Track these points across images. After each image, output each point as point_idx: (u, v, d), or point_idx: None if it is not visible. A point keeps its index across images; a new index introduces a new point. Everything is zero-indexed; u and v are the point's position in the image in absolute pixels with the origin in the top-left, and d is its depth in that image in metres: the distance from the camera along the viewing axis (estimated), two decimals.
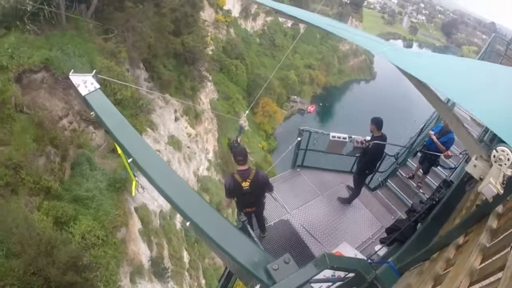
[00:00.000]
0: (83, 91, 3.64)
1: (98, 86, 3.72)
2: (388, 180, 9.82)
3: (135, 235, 14.78)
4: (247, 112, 8.25)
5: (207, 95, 37.67)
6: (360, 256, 6.37)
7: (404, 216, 7.36)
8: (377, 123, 6.97)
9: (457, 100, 2.17)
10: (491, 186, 2.12)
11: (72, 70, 4.01)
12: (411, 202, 8.16)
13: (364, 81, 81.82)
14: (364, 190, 8.69)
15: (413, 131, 10.80)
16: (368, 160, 7.51)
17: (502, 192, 2.12)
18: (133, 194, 13.48)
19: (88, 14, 17.94)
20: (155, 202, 19.11)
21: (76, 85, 3.71)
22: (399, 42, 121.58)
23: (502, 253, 1.87)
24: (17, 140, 10.83)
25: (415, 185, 9.71)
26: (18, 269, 7.13)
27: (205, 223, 2.51)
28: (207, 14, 41.84)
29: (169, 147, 22.79)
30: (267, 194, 6.29)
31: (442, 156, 8.46)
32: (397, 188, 9.59)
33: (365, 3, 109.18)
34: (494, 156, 2.18)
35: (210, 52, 39.96)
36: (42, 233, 8.04)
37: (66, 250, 7.91)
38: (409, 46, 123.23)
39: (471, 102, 2.21)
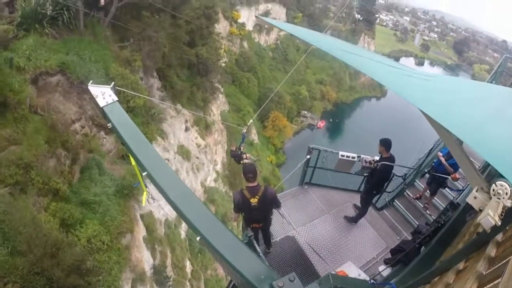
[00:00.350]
0: (101, 102, 3.76)
1: (116, 98, 3.84)
2: (395, 200, 9.77)
3: (139, 242, 14.77)
4: (250, 121, 8.25)
5: (218, 106, 37.99)
6: (363, 276, 6.31)
7: (409, 237, 7.30)
8: (386, 144, 6.99)
9: (459, 134, 2.25)
10: (489, 217, 2.21)
11: (91, 81, 4.14)
12: (417, 223, 8.08)
13: (375, 98, 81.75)
14: (370, 209, 8.69)
15: (421, 152, 10.75)
16: (375, 180, 7.52)
17: (499, 223, 2.20)
18: (143, 204, 13.55)
19: (106, 21, 18.37)
20: (161, 210, 19.15)
21: (94, 96, 3.81)
22: (411, 60, 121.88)
23: (496, 282, 1.93)
24: (30, 140, 11.00)
25: (422, 206, 9.60)
26: (23, 268, 7.16)
27: (215, 239, 2.57)
28: (221, 26, 42.53)
29: (178, 157, 22.92)
30: (274, 210, 6.30)
31: (450, 178, 8.38)
32: (404, 209, 9.51)
33: (377, 20, 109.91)
34: (493, 190, 2.28)
35: (223, 64, 40.40)
36: (49, 234, 8.10)
37: (71, 253, 7.95)
38: (421, 63, 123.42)
39: (473, 135, 2.29)
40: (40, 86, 13.23)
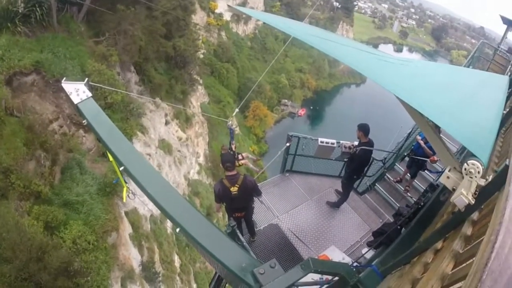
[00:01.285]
0: (75, 99, 3.70)
1: (90, 94, 3.79)
2: (376, 184, 9.97)
3: (125, 239, 14.73)
4: (235, 112, 8.05)
5: (198, 98, 37.68)
6: (347, 259, 6.49)
7: (392, 220, 7.52)
8: (364, 129, 7.14)
9: (433, 118, 2.29)
10: (462, 197, 2.27)
11: (65, 78, 4.09)
12: (398, 206, 8.33)
13: (355, 85, 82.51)
14: (352, 194, 8.84)
15: (400, 136, 10.98)
16: (355, 166, 7.66)
17: (473, 202, 2.27)
18: (124, 200, 13.47)
19: (80, 16, 17.91)
20: (145, 206, 19.04)
21: (68, 93, 3.76)
22: (390, 47, 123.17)
23: (471, 260, 1.97)
24: (7, 144, 10.77)
25: (403, 189, 9.85)
26: (9, 275, 7.11)
27: (194, 230, 2.60)
28: (198, 17, 41.97)
29: (159, 151, 22.75)
30: (256, 199, 6.42)
31: (429, 160, 8.65)
32: (385, 192, 9.74)
33: (356, 8, 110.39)
34: (465, 169, 2.31)
35: (201, 56, 40.02)
36: (33, 238, 8.02)
37: (57, 255, 7.92)
38: (399, 50, 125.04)
39: (447, 118, 2.39)
40: (15, 87, 12.89)
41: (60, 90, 14.98)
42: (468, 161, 2.29)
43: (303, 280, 2.36)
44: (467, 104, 3.04)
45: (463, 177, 2.38)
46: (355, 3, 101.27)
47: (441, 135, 3.45)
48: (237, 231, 6.03)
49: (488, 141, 2.34)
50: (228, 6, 34.85)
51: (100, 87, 12.80)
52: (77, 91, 3.76)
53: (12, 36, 13.86)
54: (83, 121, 3.71)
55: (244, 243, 6.19)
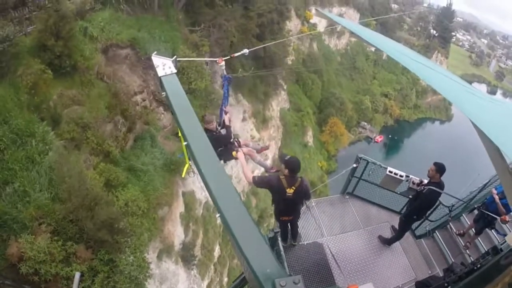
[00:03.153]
0: (160, 72, 4.01)
1: (175, 70, 4.09)
2: (436, 232, 9.02)
3: (175, 216, 15.38)
4: (226, 57, 6.73)
5: (279, 103, 38.05)
6: None
7: (441, 274, 6.77)
8: (440, 168, 6.45)
9: None
10: None
11: (156, 52, 4.47)
12: (453, 261, 7.45)
13: (439, 121, 76.59)
14: (408, 235, 8.13)
15: (475, 185, 9.84)
16: (418, 205, 6.99)
17: None
18: (183, 176, 14.05)
19: (179, 5, 19.23)
20: (203, 192, 19.70)
21: (155, 66, 4.09)
22: (483, 87, 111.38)
23: None
24: (92, 103, 11.94)
25: (463, 244, 8.77)
26: (59, 213, 7.83)
27: (233, 221, 2.58)
28: (293, 24, 42.30)
29: None
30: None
31: (500, 219, 7.61)
32: (443, 243, 8.75)
33: (453, 39, 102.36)
34: None
35: (290, 62, 40.33)
36: (91, 189, 8.67)
37: (107, 210, 8.46)
38: (493, 92, 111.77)
39: None
40: (109, 56, 14.29)
41: (150, 67, 16.27)
42: None
43: None
44: None
45: None
46: (453, 33, 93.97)
47: None
48: (279, 239, 5.87)
49: None
50: (316, 10, 34.31)
51: (187, 68, 13.29)
52: (164, 65, 4.08)
53: (115, 12, 15.48)
54: (162, 93, 4.05)
55: (282, 252, 6.01)
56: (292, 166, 5.20)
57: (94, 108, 11.87)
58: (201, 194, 19.14)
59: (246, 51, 5.39)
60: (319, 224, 7.91)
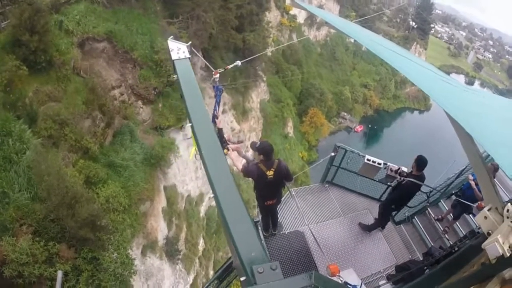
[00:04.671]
0: (174, 56, 4.17)
1: (188, 56, 4.26)
2: (415, 217, 9.29)
3: (157, 211, 15.32)
4: (221, 70, 7.23)
5: (259, 94, 38.02)
6: (362, 287, 6.14)
7: (421, 258, 7.01)
8: (419, 163, 6.62)
9: (486, 146, 1.97)
10: (496, 244, 1.91)
11: (172, 36, 4.64)
12: (432, 245, 7.71)
13: (418, 111, 78.40)
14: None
15: (451, 172, 10.16)
16: (397, 195, 7.16)
17: (508, 254, 1.89)
18: (190, 158, 13.94)
19: None
20: (185, 186, 19.68)
21: (170, 49, 4.24)
22: (461, 78, 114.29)
23: None
24: (69, 99, 11.68)
25: (442, 229, 9.07)
26: (40, 213, 7.72)
27: (225, 203, 2.64)
28: (272, 15, 42.17)
29: None
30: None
31: (476, 205, 7.91)
32: (422, 228, 8.97)
33: (432, 31, 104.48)
34: (508, 211, 1.95)
35: (269, 54, 40.29)
36: (71, 187, 8.54)
37: (88, 207, 8.35)
38: (471, 83, 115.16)
39: (503, 151, 1.99)
40: (85, 50, 13.94)
41: (127, 61, 16.00)
42: None
43: None
44: None
45: (503, 221, 2.02)
46: (432, 25, 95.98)
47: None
48: (260, 228, 5.99)
49: None
50: (291, 0, 34.16)
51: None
52: (179, 49, 4.25)
53: (91, 4, 15.04)
54: (174, 76, 4.18)
55: (263, 242, 6.14)
56: (265, 150, 5.49)
57: (71, 104, 11.61)
58: (183, 188, 19.11)
59: (238, 63, 5.77)
60: (300, 213, 7.98)
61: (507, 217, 1.93)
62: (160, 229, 15.23)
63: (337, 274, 4.63)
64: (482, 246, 2.03)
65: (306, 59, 54.67)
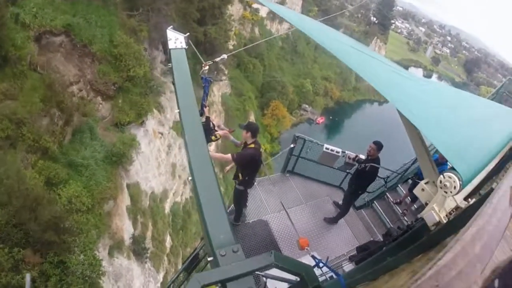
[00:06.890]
0: (171, 45, 4.24)
1: (185, 46, 4.31)
2: (375, 202, 9.80)
3: (122, 210, 14.97)
4: (210, 62, 7.29)
5: (220, 88, 37.83)
6: (324, 269, 6.41)
7: (382, 239, 7.40)
8: (379, 145, 7.03)
9: (418, 124, 2.19)
10: (433, 212, 2.11)
11: (172, 26, 4.67)
12: (390, 226, 8.17)
13: (377, 102, 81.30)
14: None
15: (408, 158, 10.77)
16: (363, 182, 7.49)
17: (444, 221, 2.09)
18: None
19: None
20: (148, 183, 19.32)
21: (168, 39, 4.30)
22: (420, 71, 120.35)
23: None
24: (26, 97, 11.07)
25: (400, 211, 9.66)
26: (1, 219, 7.34)
27: (201, 185, 2.71)
28: (235, 9, 41.92)
29: (172, 132, 23.00)
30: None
31: None
32: (382, 211, 9.52)
33: (392, 26, 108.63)
34: (441, 182, 2.09)
35: (231, 47, 40.11)
36: (31, 189, 8.22)
37: (50, 209, 8.11)
38: (429, 76, 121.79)
39: (432, 127, 2.24)
40: (42, 45, 13.21)
41: (86, 55, 15.37)
42: (445, 173, 2.08)
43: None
44: (468, 125, 2.87)
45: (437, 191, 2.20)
46: (392, 21, 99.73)
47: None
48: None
49: (479, 162, 2.16)
50: None
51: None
52: (176, 39, 4.33)
53: None
54: (168, 64, 4.20)
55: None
56: (253, 127, 5.82)
57: (28, 102, 11.00)
58: (146, 185, 18.76)
59: (224, 56, 5.79)
60: (262, 202, 8.20)
61: (440, 188, 2.10)
62: (125, 228, 14.90)
63: (306, 247, 4.73)
64: (420, 215, 2.26)
65: (268, 53, 54.90)
